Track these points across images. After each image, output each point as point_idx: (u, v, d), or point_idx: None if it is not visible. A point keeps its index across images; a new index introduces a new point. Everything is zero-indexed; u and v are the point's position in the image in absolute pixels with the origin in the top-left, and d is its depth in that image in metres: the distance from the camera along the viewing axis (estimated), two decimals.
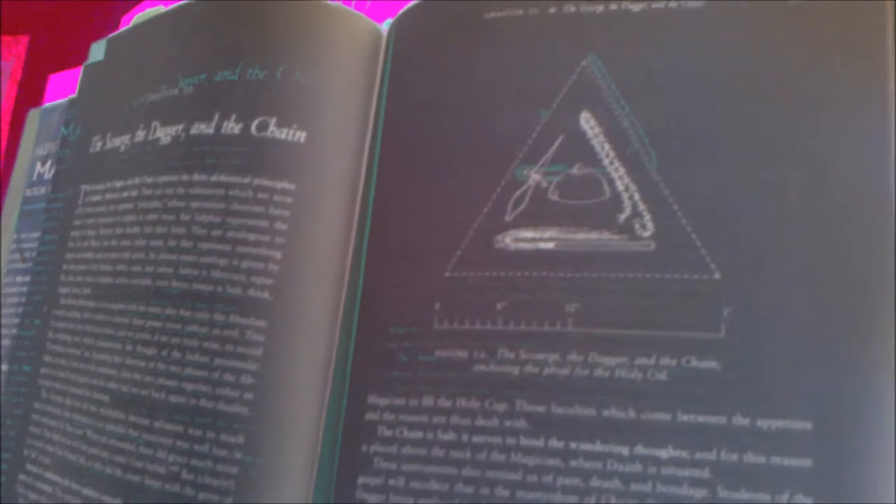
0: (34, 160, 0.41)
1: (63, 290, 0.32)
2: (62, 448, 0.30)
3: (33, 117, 0.42)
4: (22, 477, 0.31)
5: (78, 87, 0.37)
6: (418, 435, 0.24)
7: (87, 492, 0.28)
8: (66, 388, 0.30)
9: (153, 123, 0.30)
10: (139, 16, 0.38)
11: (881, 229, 0.22)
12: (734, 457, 0.21)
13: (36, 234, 0.39)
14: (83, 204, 0.33)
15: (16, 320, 0.37)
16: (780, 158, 0.23)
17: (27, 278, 0.37)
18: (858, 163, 0.22)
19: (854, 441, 0.20)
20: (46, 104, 0.42)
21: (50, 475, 0.30)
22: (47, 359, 0.32)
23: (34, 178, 0.40)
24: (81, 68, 0.38)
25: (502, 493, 0.22)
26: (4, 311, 0.38)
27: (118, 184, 0.31)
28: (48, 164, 0.40)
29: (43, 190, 0.39)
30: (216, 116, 0.28)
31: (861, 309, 0.21)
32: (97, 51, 0.37)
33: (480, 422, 0.23)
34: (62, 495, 0.29)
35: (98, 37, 0.38)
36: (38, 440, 0.31)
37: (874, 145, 0.22)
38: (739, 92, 0.24)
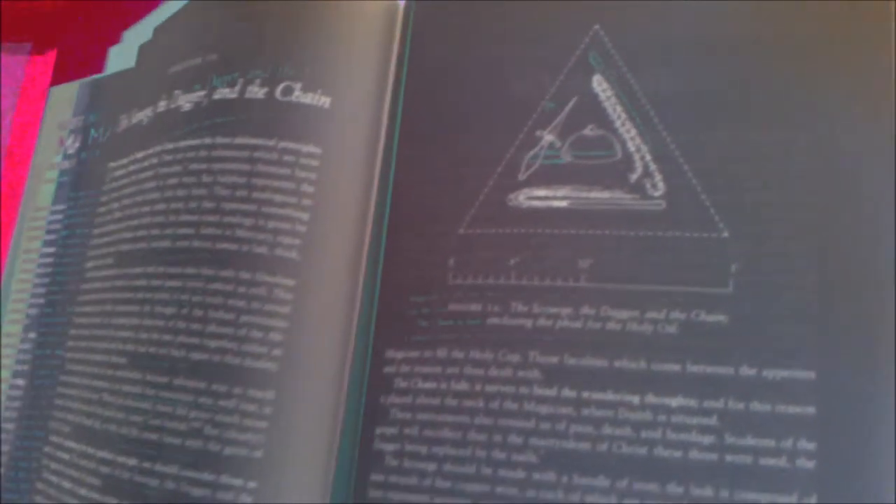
0: (57, 136, 0.41)
1: (89, 265, 0.32)
2: (80, 415, 0.30)
3: (55, 94, 0.42)
4: (47, 449, 0.31)
5: (105, 69, 0.38)
6: (432, 385, 0.24)
7: (101, 454, 0.28)
8: (86, 356, 0.31)
9: (175, 92, 0.30)
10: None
11: (883, 188, 0.22)
12: (741, 405, 0.22)
13: (59, 208, 0.39)
14: (109, 180, 0.33)
15: (42, 290, 0.37)
16: (786, 120, 0.24)
17: (52, 249, 0.38)
18: (862, 124, 0.23)
19: (856, 389, 0.21)
20: (69, 82, 0.42)
21: (69, 443, 0.30)
22: (73, 332, 0.32)
23: (58, 154, 0.40)
24: (108, 50, 0.38)
25: (515, 440, 0.23)
26: (31, 282, 0.38)
27: (140, 154, 0.31)
28: (71, 139, 0.40)
29: (67, 165, 0.40)
30: (240, 82, 0.29)
31: (862, 265, 0.22)
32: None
33: (493, 372, 0.24)
34: (77, 460, 0.29)
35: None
36: (62, 411, 0.31)
37: (877, 106, 0.23)
38: (744, 56, 0.24)
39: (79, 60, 0.43)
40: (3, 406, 0.37)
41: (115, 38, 0.39)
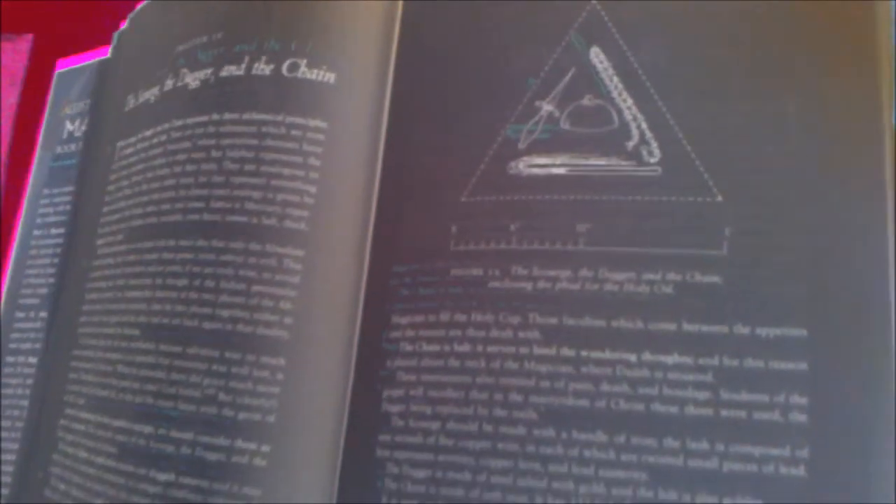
0: (63, 119, 0.42)
1: (99, 242, 0.33)
2: (94, 387, 0.30)
3: (60, 78, 0.43)
4: (62, 422, 0.32)
5: (111, 52, 0.39)
6: (436, 348, 0.25)
7: (117, 423, 0.29)
8: (99, 330, 0.31)
9: (182, 70, 0.31)
10: None
11: (873, 152, 0.23)
12: (735, 362, 0.22)
13: (66, 189, 0.40)
14: (118, 158, 0.34)
15: (51, 270, 0.38)
16: (777, 90, 0.24)
17: (61, 230, 0.39)
18: (851, 92, 0.24)
19: (847, 345, 0.22)
20: (73, 66, 0.43)
21: (84, 414, 0.31)
22: (85, 307, 0.33)
23: (64, 136, 0.41)
24: (113, 35, 0.39)
25: (516, 398, 0.23)
26: (41, 262, 0.39)
27: (148, 132, 0.32)
28: (77, 122, 0.41)
29: (73, 147, 0.41)
30: (246, 59, 0.29)
31: (852, 227, 0.23)
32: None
33: (495, 333, 0.24)
34: (94, 431, 0.30)
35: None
36: (76, 384, 0.32)
37: (866, 75, 0.24)
38: (736, 30, 0.25)
39: (84, 44, 0.44)
40: (14, 384, 0.38)
41: (120, 22, 0.40)
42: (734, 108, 0.25)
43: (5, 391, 0.38)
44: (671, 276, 0.24)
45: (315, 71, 0.29)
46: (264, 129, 0.28)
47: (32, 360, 0.38)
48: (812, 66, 0.24)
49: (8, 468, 0.36)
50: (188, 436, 0.26)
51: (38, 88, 0.45)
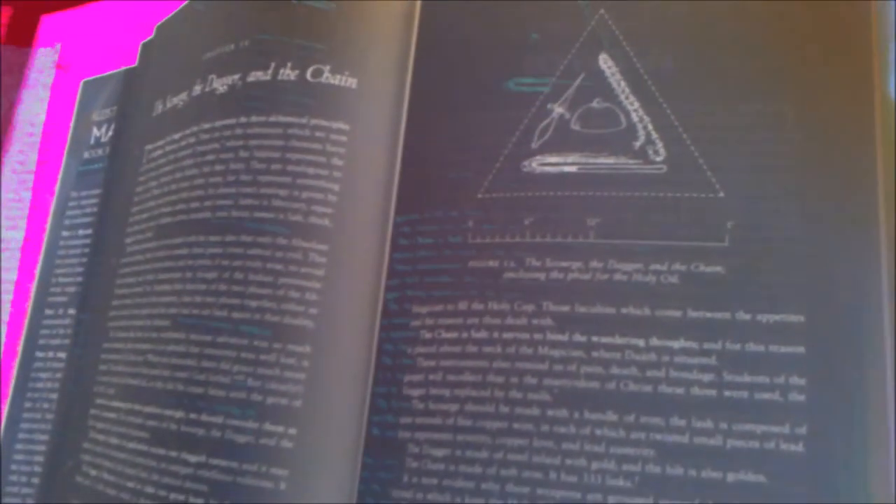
0: (90, 125, 0.43)
1: (128, 241, 0.35)
2: (125, 377, 0.32)
3: (86, 87, 0.45)
4: (93, 411, 0.33)
5: (137, 61, 0.41)
6: (454, 335, 0.26)
7: (148, 409, 0.30)
8: (129, 323, 0.33)
9: (210, 76, 0.33)
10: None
11: (865, 150, 0.25)
12: (737, 346, 0.24)
13: (94, 192, 0.41)
14: (146, 161, 0.36)
15: (79, 269, 0.40)
16: (776, 92, 0.26)
17: (88, 231, 0.40)
18: (845, 93, 0.25)
19: (842, 329, 0.23)
20: (101, 74, 0.45)
21: (115, 403, 0.32)
22: (115, 303, 0.34)
23: (91, 141, 0.43)
24: (140, 46, 0.41)
25: (530, 380, 0.25)
26: (69, 261, 0.40)
27: (177, 135, 0.34)
28: (104, 128, 0.43)
29: (100, 152, 0.42)
30: (272, 65, 0.31)
31: (846, 219, 0.24)
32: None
33: (510, 321, 0.26)
34: (125, 418, 0.31)
35: None
36: (106, 375, 0.33)
37: (859, 77, 0.25)
38: (735, 35, 0.27)
39: (111, 54, 0.46)
40: (45, 378, 0.40)
41: (147, 32, 0.42)
42: (735, 110, 0.26)
43: (35, 385, 0.40)
44: (677, 266, 0.25)
45: (338, 76, 0.30)
46: (290, 131, 0.30)
47: (61, 355, 0.40)
48: (808, 69, 0.26)
49: (39, 458, 0.38)
50: (218, 419, 0.28)
51: (64, 97, 0.47)
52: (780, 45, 0.26)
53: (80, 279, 0.41)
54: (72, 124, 0.45)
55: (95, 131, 0.44)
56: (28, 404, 0.39)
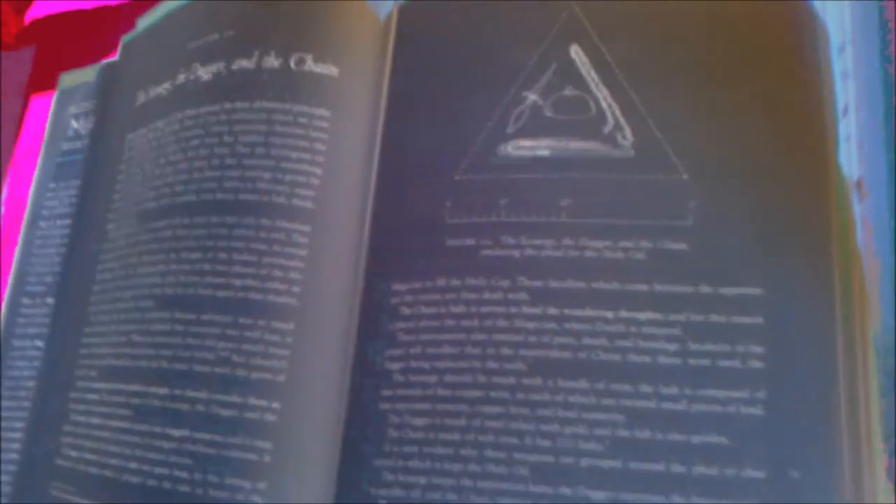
0: (68, 117, 0.44)
1: (109, 227, 0.35)
2: (107, 358, 0.32)
3: (64, 80, 0.45)
4: (73, 395, 0.34)
5: (119, 54, 0.41)
6: (433, 311, 0.27)
7: (132, 388, 0.31)
8: (111, 306, 0.33)
9: (193, 65, 0.34)
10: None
11: (817, 133, 0.26)
12: (700, 317, 0.25)
13: (72, 183, 0.42)
14: (128, 150, 0.36)
15: (57, 259, 0.40)
16: (735, 80, 0.28)
17: (66, 221, 0.41)
18: (797, 82, 0.27)
19: (797, 301, 0.25)
20: (80, 67, 0.45)
21: (97, 384, 0.32)
22: (96, 288, 0.35)
23: (70, 133, 0.43)
24: (121, 40, 0.42)
25: (506, 351, 0.26)
26: (47, 251, 0.41)
27: (160, 123, 0.34)
28: (82, 120, 0.43)
29: (79, 144, 0.43)
30: (256, 54, 0.32)
31: (799, 199, 0.26)
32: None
33: (487, 296, 0.27)
34: (107, 398, 0.32)
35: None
36: (87, 359, 0.34)
37: (809, 72, 0.27)
38: (697, 27, 0.28)
39: (90, 48, 0.46)
40: (21, 366, 0.40)
41: (129, 26, 0.42)
42: (697, 97, 0.28)
43: (12, 373, 0.40)
44: (644, 243, 0.26)
45: (320, 65, 0.31)
46: (273, 116, 0.31)
47: (39, 343, 0.40)
48: (763, 58, 0.27)
49: (16, 445, 0.38)
50: (203, 394, 0.29)
51: (42, 90, 0.48)
52: (737, 36, 0.28)
53: (58, 269, 0.41)
54: (50, 116, 0.45)
55: (74, 123, 0.44)
56: (5, 392, 0.40)
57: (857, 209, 0.26)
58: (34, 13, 0.50)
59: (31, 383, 0.39)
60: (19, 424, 0.39)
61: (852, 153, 0.26)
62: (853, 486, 0.23)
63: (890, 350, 0.24)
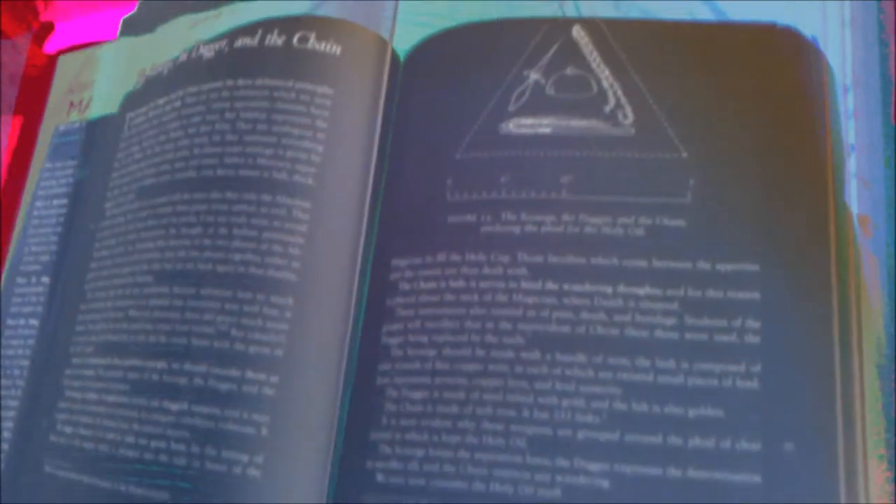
0: (67, 97, 0.44)
1: (108, 205, 0.35)
2: (104, 334, 0.32)
3: (63, 63, 0.45)
4: (69, 371, 0.33)
5: (119, 34, 0.41)
6: (432, 286, 0.27)
7: (129, 363, 0.30)
8: (108, 282, 0.33)
9: (196, 43, 0.34)
10: None
11: (812, 113, 0.27)
12: (698, 293, 0.26)
13: (69, 164, 0.42)
14: (127, 128, 0.36)
15: (53, 238, 0.40)
16: (733, 65, 0.28)
17: (63, 201, 0.41)
18: (794, 68, 0.27)
19: (793, 277, 0.25)
20: (77, 51, 0.45)
21: (93, 360, 0.32)
22: (93, 265, 0.35)
23: (68, 114, 0.43)
24: (121, 20, 0.42)
25: (505, 325, 0.26)
26: (43, 230, 0.41)
27: (161, 101, 0.34)
28: (81, 100, 0.43)
29: (76, 124, 0.43)
30: (259, 31, 0.32)
31: (795, 176, 0.26)
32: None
33: (486, 271, 0.27)
34: (104, 373, 0.31)
35: None
36: (83, 335, 0.34)
37: (809, 59, 0.27)
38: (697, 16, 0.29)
39: (91, 30, 0.46)
40: (15, 345, 0.40)
41: (130, 6, 0.42)
42: (696, 78, 0.28)
43: (6, 352, 0.40)
44: (643, 220, 0.27)
45: (323, 43, 0.31)
46: (275, 93, 0.31)
47: (34, 322, 0.40)
48: (762, 51, 0.28)
49: (9, 424, 0.38)
50: (201, 368, 0.29)
51: (41, 73, 0.47)
52: (734, 24, 0.28)
53: (54, 248, 0.41)
54: (48, 97, 0.45)
55: (72, 104, 0.44)
56: None
57: (854, 180, 0.26)
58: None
59: (25, 362, 0.39)
60: (13, 403, 0.39)
61: (850, 128, 0.26)
62: (846, 459, 0.23)
63: (890, 324, 0.25)
